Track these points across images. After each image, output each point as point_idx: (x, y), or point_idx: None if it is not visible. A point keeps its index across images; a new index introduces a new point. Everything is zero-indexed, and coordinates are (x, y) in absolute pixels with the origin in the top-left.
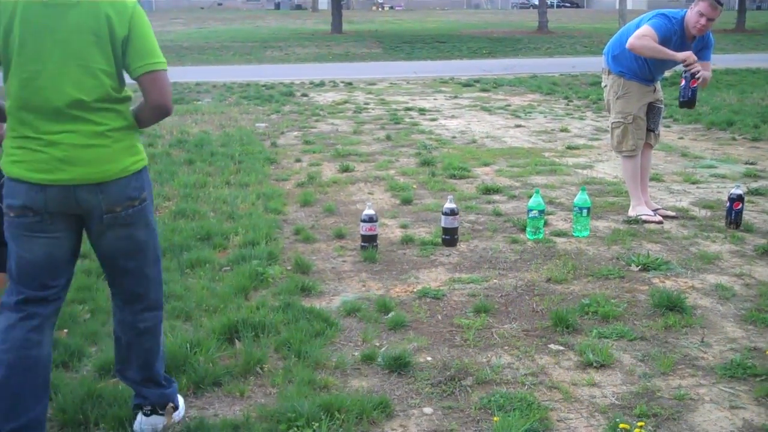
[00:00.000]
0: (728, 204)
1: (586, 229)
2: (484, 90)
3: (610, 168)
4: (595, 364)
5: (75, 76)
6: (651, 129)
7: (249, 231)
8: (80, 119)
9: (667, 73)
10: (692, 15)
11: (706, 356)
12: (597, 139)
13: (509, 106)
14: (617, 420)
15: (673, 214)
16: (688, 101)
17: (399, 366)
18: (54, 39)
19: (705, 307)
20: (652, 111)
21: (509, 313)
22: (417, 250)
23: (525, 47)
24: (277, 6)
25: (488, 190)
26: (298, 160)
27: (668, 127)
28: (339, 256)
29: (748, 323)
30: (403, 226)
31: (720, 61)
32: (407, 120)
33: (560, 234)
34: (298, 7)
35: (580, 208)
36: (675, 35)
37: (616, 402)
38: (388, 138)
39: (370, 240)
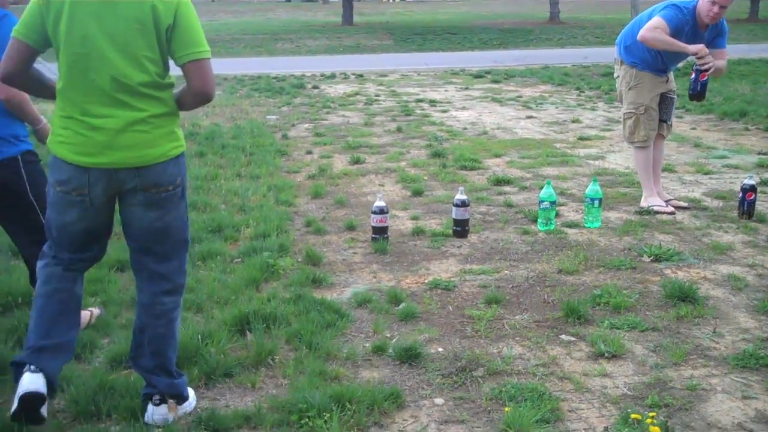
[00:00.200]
0: (741, 194)
1: (598, 220)
2: (495, 81)
3: (622, 159)
4: (606, 355)
5: (120, 62)
6: (663, 120)
7: (260, 223)
8: (124, 104)
9: (680, 64)
10: (704, 3)
11: (719, 346)
12: (609, 130)
13: (520, 97)
14: (629, 410)
15: (685, 204)
16: (697, 94)
17: (410, 357)
18: (101, 26)
19: (717, 297)
20: (665, 102)
21: (520, 304)
22: (428, 241)
23: (536, 38)
24: None
25: (499, 182)
26: (309, 152)
27: (681, 117)
28: (350, 247)
29: (761, 313)
30: (414, 218)
31: (733, 51)
32: (418, 111)
33: (572, 225)
34: None
35: (592, 199)
36: (687, 25)
37: (628, 392)
38: (399, 130)
39: (381, 231)
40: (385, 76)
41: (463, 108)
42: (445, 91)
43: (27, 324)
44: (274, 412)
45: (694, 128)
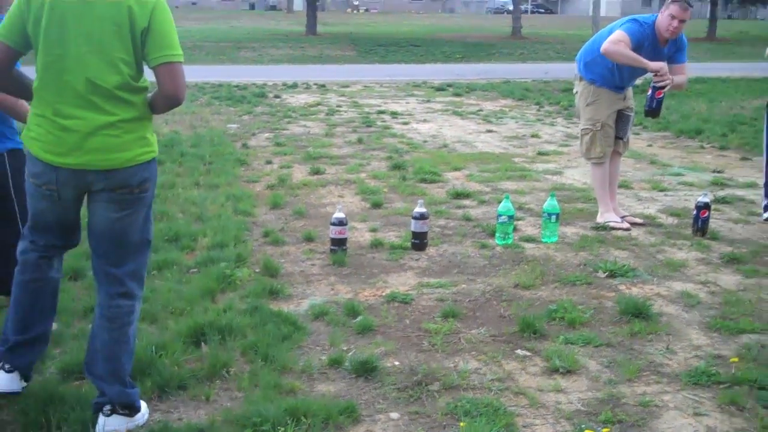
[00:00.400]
0: (695, 212)
1: (555, 235)
2: (456, 94)
3: (580, 174)
4: (561, 370)
5: (95, 63)
6: (620, 137)
7: (217, 233)
8: (95, 107)
9: (638, 81)
10: (663, 19)
11: (671, 363)
12: (567, 146)
13: (481, 111)
14: (582, 426)
15: (640, 221)
16: (652, 111)
17: (366, 370)
18: (78, 27)
19: (670, 314)
20: (622, 119)
21: (477, 318)
22: (386, 254)
23: (498, 52)
24: (252, 6)
25: (458, 195)
26: (269, 162)
27: (637, 134)
28: (308, 259)
29: (713, 331)
30: (373, 230)
31: (690, 69)
32: (379, 123)
33: (529, 239)
34: (273, 7)
35: (549, 214)
36: (647, 40)
37: (582, 408)
38: (360, 141)
39: (339, 243)
40: (348, 87)
41: (424, 121)
42: (407, 103)
43: None
44: (229, 425)
45: (650, 145)
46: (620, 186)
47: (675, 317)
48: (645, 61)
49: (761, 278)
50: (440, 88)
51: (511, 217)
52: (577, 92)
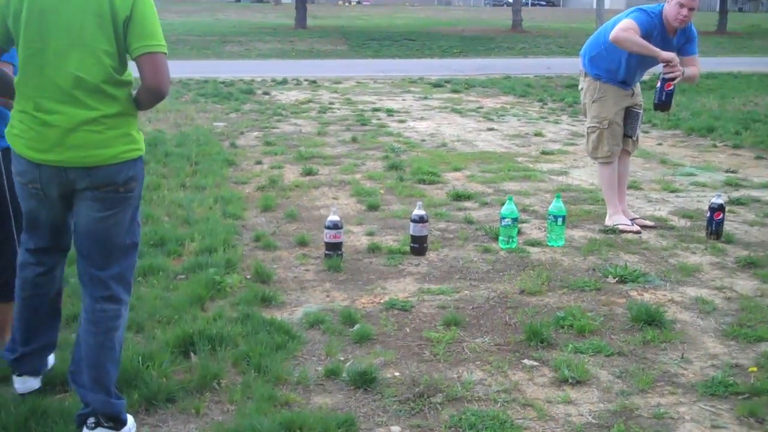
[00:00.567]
0: (709, 214)
1: (561, 239)
2: (455, 91)
3: (587, 175)
4: (570, 381)
5: (77, 56)
6: (628, 135)
7: (206, 237)
8: (77, 101)
9: (646, 76)
10: (672, 8)
11: (686, 373)
12: (573, 144)
13: (481, 108)
14: None
15: (651, 223)
16: (662, 104)
17: (365, 382)
18: (58, 19)
19: (685, 321)
20: (630, 116)
21: (481, 326)
22: (384, 258)
23: (498, 47)
24: None
25: (459, 197)
26: (259, 162)
27: (647, 132)
28: (301, 264)
29: (730, 339)
30: (370, 234)
31: (701, 64)
32: (374, 121)
33: (534, 243)
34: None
35: (555, 217)
36: (655, 30)
37: (593, 420)
38: (354, 140)
39: (334, 248)
40: (340, 83)
41: (422, 118)
42: (403, 100)
43: None
44: None
45: (660, 144)
46: (630, 187)
47: (690, 324)
48: (656, 49)
49: None
50: (438, 84)
51: (515, 220)
52: (582, 89)
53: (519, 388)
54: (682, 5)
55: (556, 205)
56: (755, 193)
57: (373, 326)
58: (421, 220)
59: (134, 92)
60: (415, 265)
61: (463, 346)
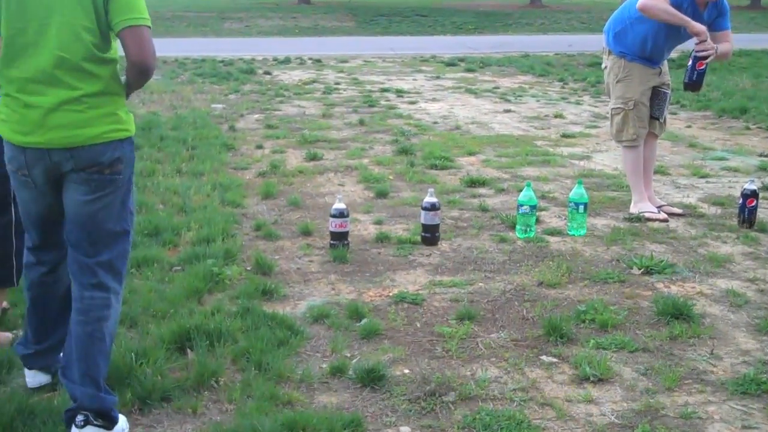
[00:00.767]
0: (741, 201)
1: (583, 228)
2: (469, 70)
3: (610, 159)
4: (592, 378)
5: (57, 34)
6: (655, 117)
7: (203, 226)
8: (58, 81)
9: (674, 54)
10: None
11: (716, 370)
12: (595, 127)
13: (497, 88)
14: None
15: (679, 211)
16: (692, 84)
17: (372, 379)
18: None
19: (714, 315)
20: (657, 96)
21: (496, 320)
22: (393, 249)
23: (516, 23)
24: None
25: (473, 183)
26: (260, 147)
27: (675, 114)
28: (305, 255)
29: (763, 334)
30: (378, 222)
31: (733, 40)
32: (383, 103)
33: (554, 232)
34: None
35: (576, 204)
36: (685, 2)
37: (616, 421)
38: (362, 123)
39: (340, 237)
40: (346, 62)
41: (434, 99)
42: (414, 80)
43: None
44: None
45: (689, 126)
46: (656, 172)
47: (720, 318)
48: (687, 18)
49: None
50: (451, 63)
51: (533, 207)
52: (605, 67)
53: (537, 387)
54: None
55: (578, 192)
56: None
57: (382, 321)
58: (432, 207)
59: (123, 77)
60: (427, 255)
61: (478, 342)
